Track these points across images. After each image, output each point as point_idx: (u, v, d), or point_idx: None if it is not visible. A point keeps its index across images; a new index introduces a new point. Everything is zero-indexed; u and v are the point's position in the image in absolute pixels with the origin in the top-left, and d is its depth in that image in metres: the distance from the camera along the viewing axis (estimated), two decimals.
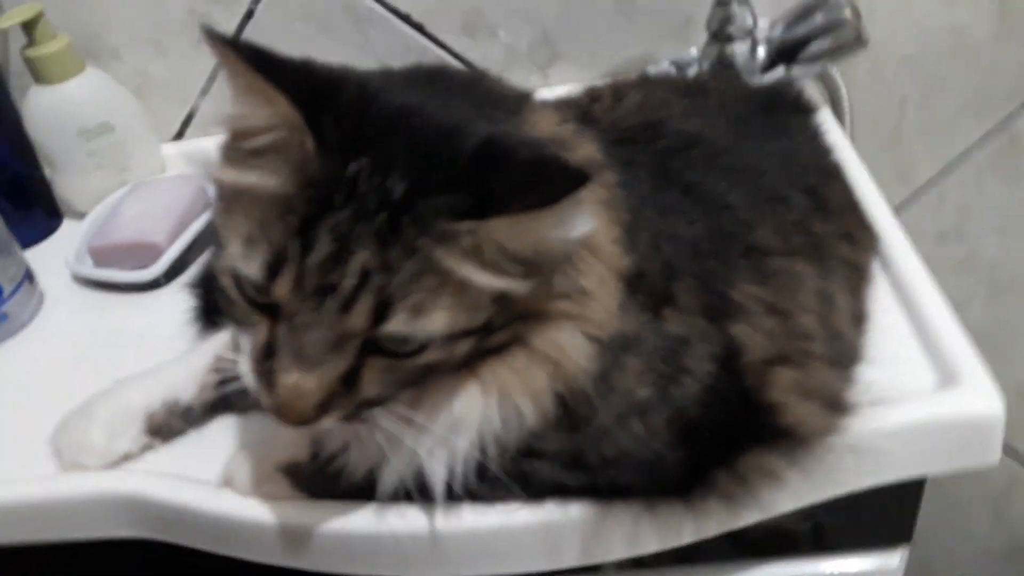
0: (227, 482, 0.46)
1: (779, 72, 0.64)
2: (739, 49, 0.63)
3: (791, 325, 0.43)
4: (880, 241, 0.53)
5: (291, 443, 0.45)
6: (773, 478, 0.41)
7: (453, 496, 0.41)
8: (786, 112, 0.52)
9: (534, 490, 0.41)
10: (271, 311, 0.35)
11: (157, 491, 0.46)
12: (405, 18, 0.71)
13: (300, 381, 0.34)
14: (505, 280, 0.34)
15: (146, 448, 0.50)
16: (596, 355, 0.38)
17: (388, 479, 0.40)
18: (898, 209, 0.82)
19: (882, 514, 0.50)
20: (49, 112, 0.66)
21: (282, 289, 0.33)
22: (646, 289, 0.40)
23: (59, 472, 0.49)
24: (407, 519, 0.42)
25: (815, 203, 0.47)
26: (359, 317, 0.33)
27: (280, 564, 0.45)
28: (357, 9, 0.70)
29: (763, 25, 0.64)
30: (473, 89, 0.41)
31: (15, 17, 0.63)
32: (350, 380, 0.35)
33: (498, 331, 0.36)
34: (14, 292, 0.60)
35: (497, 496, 0.42)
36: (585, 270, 0.38)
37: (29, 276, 0.63)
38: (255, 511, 0.44)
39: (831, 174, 0.52)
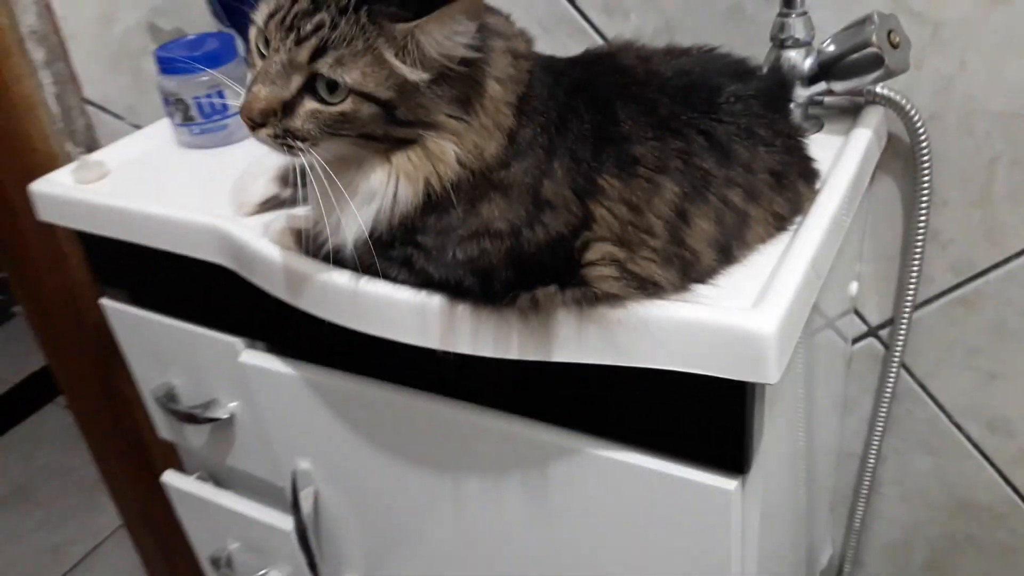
0: (264, 231, 0.68)
1: (821, 86, 0.72)
2: (793, 56, 0.73)
3: (639, 219, 0.54)
4: (791, 217, 0.61)
5: (301, 219, 0.66)
6: (559, 310, 0.53)
7: (362, 268, 0.59)
8: (738, 81, 0.62)
9: (413, 274, 0.58)
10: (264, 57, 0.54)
11: (230, 229, 0.70)
12: None
13: (258, 91, 0.53)
14: (407, 69, 0.51)
15: (275, 197, 0.73)
16: (464, 174, 0.54)
17: (329, 246, 0.60)
18: (986, 270, 0.82)
19: (709, 425, 0.58)
20: None
21: (271, 24, 0.53)
22: (532, 158, 0.55)
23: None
24: (334, 276, 0.61)
25: (715, 150, 0.57)
26: (304, 52, 0.51)
27: (272, 292, 0.67)
28: None
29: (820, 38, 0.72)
30: None
31: None
32: (289, 108, 0.53)
33: (404, 125, 0.53)
34: (236, 114, 0.89)
35: (390, 274, 0.59)
36: (476, 111, 0.54)
37: None
38: (269, 249, 0.66)
39: (769, 144, 0.60)
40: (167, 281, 0.83)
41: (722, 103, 0.60)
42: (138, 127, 1.01)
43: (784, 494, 0.75)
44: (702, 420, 0.58)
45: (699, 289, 0.56)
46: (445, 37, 0.51)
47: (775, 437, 0.63)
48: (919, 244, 0.81)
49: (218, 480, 1.01)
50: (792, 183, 0.62)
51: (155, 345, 0.90)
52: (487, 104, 0.54)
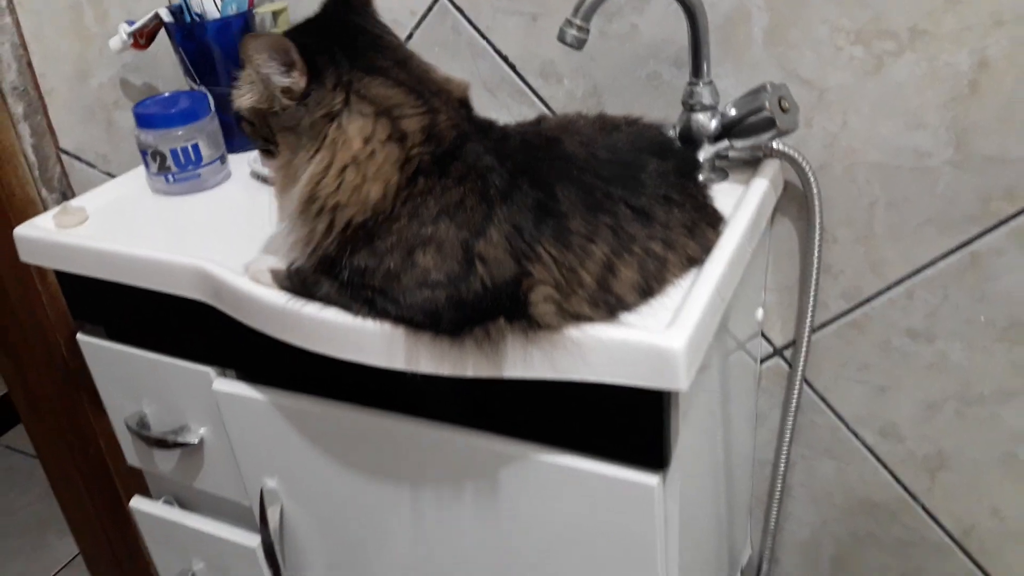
0: (245, 270, 0.77)
1: (724, 143, 0.84)
2: (701, 118, 0.85)
3: (572, 276, 0.65)
4: (701, 256, 0.72)
5: (279, 259, 0.75)
6: (508, 340, 0.63)
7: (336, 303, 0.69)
8: (657, 156, 0.73)
9: (375, 312, 0.68)
10: None
11: (212, 268, 0.79)
12: (504, 58, 1.00)
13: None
14: (241, 95, 0.68)
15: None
16: (358, 214, 0.66)
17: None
18: (871, 297, 0.95)
19: (633, 429, 0.69)
20: None
21: None
22: (462, 219, 0.64)
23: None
24: (310, 309, 0.71)
25: (639, 216, 0.68)
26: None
27: (251, 325, 0.76)
28: (475, 47, 1.01)
29: (724, 103, 0.85)
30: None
31: (269, 7, 1.02)
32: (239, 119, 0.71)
33: (263, 140, 0.70)
34: (209, 164, 0.97)
35: (354, 311, 0.69)
36: (329, 149, 0.67)
37: (223, 159, 1.00)
38: (249, 287, 0.75)
39: (682, 205, 0.72)
40: (143, 317, 0.91)
41: (645, 178, 0.71)
42: (110, 175, 1.08)
43: (703, 494, 0.86)
44: (628, 425, 0.69)
45: (624, 316, 0.67)
46: (259, 65, 0.66)
47: (691, 440, 0.74)
48: (815, 275, 0.93)
49: (183, 504, 1.08)
50: (702, 231, 0.74)
51: (129, 377, 0.97)
52: (354, 150, 0.66)
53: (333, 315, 0.70)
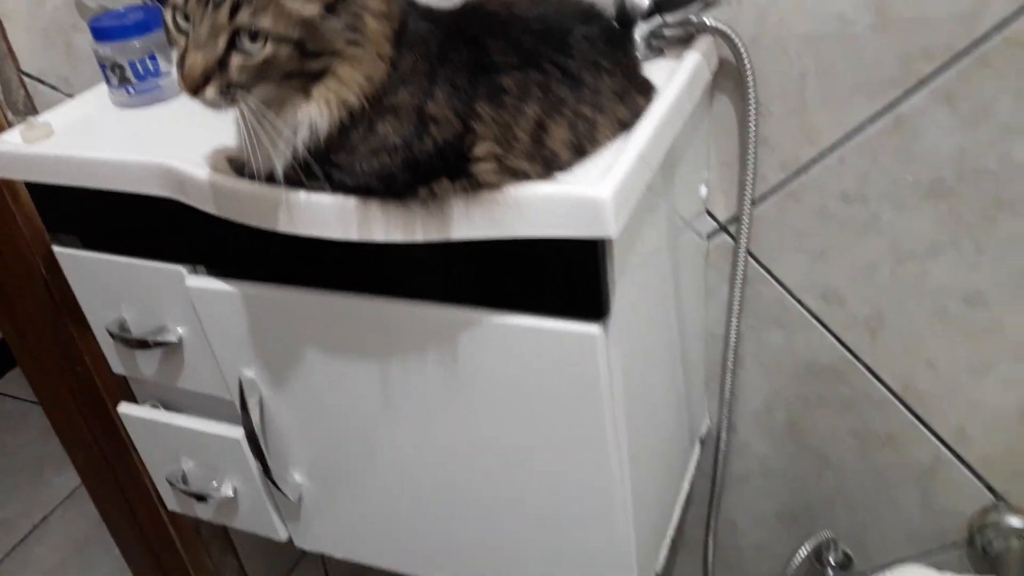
0: (206, 161, 0.81)
1: (657, 19, 0.88)
2: None
3: (508, 132, 0.69)
4: (631, 120, 0.77)
5: (235, 149, 0.79)
6: (452, 197, 0.68)
7: (294, 182, 0.73)
8: (585, 24, 0.77)
9: (332, 186, 0.72)
10: (186, 33, 0.66)
11: (174, 163, 0.83)
12: None
13: (195, 58, 0.65)
14: (301, 4, 0.63)
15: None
16: (362, 99, 0.67)
17: (261, 167, 0.73)
18: (806, 166, 1.00)
19: (573, 282, 0.74)
20: None
21: (190, 1, 0.65)
22: (415, 84, 0.69)
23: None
24: (265, 191, 0.75)
25: (567, 78, 0.72)
26: (223, 13, 0.63)
27: (214, 212, 0.80)
28: None
29: None
30: None
31: None
32: (223, 65, 0.65)
33: (315, 57, 0.65)
34: (168, 75, 1.01)
35: (316, 187, 0.73)
36: (363, 41, 0.66)
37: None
38: (207, 174, 0.79)
39: (611, 72, 0.76)
40: (115, 222, 0.95)
41: (572, 43, 0.75)
42: (72, 96, 1.11)
43: (652, 355, 0.92)
44: (568, 279, 0.74)
45: (559, 176, 0.72)
46: None
47: (632, 294, 0.79)
48: (752, 149, 0.98)
49: (169, 406, 1.14)
50: (632, 98, 0.78)
51: (106, 283, 1.02)
52: (369, 35, 0.66)
53: (287, 193, 0.75)
